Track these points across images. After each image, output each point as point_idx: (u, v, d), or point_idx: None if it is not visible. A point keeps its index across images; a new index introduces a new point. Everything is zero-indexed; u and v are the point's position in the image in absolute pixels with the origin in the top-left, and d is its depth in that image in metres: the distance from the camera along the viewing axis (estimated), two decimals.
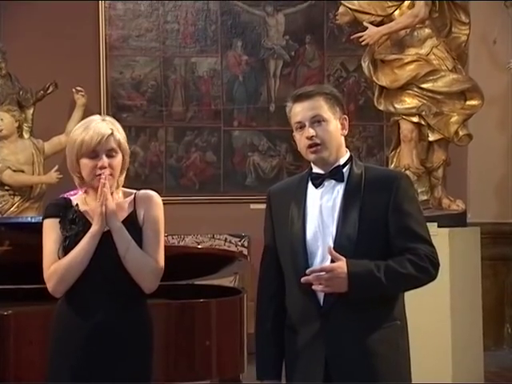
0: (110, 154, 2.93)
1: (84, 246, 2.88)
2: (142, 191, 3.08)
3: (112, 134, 2.93)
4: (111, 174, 2.93)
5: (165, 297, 4.16)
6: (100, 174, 2.90)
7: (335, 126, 2.85)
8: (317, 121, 2.83)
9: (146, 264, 2.94)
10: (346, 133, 2.89)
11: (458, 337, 5.63)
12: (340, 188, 2.83)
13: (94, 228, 2.89)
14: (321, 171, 2.87)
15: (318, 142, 2.82)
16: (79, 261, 2.87)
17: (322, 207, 2.83)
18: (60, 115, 6.93)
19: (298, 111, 2.85)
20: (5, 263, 3.88)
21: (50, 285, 2.89)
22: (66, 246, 2.89)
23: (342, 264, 2.72)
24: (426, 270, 2.82)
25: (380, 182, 2.82)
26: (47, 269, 2.89)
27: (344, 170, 2.85)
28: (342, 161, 2.86)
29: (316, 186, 2.86)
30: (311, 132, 2.82)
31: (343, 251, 2.74)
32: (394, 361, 2.79)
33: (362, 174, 2.84)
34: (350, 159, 2.88)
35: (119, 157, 2.96)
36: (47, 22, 7.14)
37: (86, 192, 3.01)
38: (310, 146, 2.83)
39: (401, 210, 2.78)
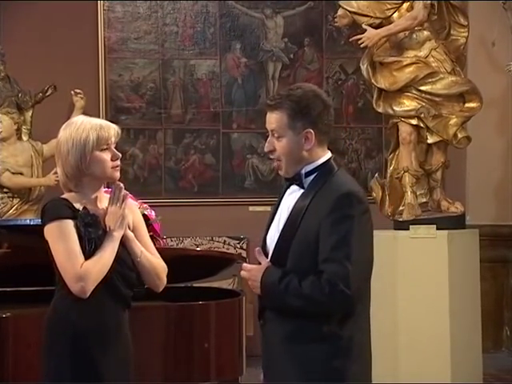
0: (115, 146, 3.02)
1: (113, 248, 2.91)
2: None
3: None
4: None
5: (163, 299, 4.16)
6: (117, 166, 2.99)
7: (294, 142, 2.79)
8: (275, 136, 2.82)
9: (158, 264, 3.06)
10: (311, 146, 2.79)
11: (457, 339, 5.64)
12: (298, 194, 2.82)
13: (120, 232, 2.94)
14: None
15: (276, 157, 2.84)
16: (110, 263, 2.90)
17: (282, 211, 2.86)
18: (59, 118, 6.85)
19: (266, 119, 2.86)
20: (4, 266, 3.88)
21: (81, 284, 2.85)
22: (91, 249, 2.90)
23: (260, 268, 2.77)
24: (325, 295, 2.64)
25: (327, 195, 2.74)
26: (74, 269, 2.86)
27: (309, 177, 2.81)
28: (308, 168, 2.81)
29: (288, 188, 2.90)
30: (268, 146, 2.85)
31: (279, 257, 2.77)
32: (317, 379, 2.72)
33: (322, 184, 2.78)
34: (320, 166, 2.83)
35: None
36: (46, 25, 7.14)
37: (77, 192, 3.01)
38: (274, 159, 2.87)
39: (326, 229, 2.67)
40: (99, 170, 2.96)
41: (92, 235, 2.91)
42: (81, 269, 2.85)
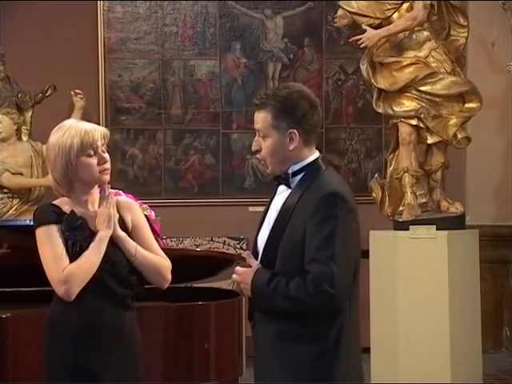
0: (104, 149, 3.00)
1: (99, 249, 2.91)
2: (121, 198, 3.15)
3: (103, 129, 3.03)
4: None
5: (163, 300, 4.17)
6: (105, 169, 2.97)
7: (279, 142, 2.79)
8: (261, 135, 2.84)
9: (160, 261, 3.06)
10: (295, 146, 2.79)
11: (457, 339, 5.64)
12: (286, 194, 2.83)
13: (106, 232, 2.94)
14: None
15: (261, 157, 2.85)
16: (95, 264, 2.90)
17: (271, 213, 2.86)
18: (59, 118, 6.77)
19: (254, 119, 2.88)
20: (3, 266, 3.88)
21: (65, 287, 2.88)
22: (76, 252, 2.91)
23: (251, 270, 2.78)
24: (310, 296, 2.64)
25: (313, 195, 2.73)
26: (58, 272, 2.88)
27: (296, 176, 2.81)
28: (295, 167, 2.81)
29: (277, 187, 2.90)
30: (255, 146, 2.87)
31: (269, 258, 2.77)
32: (306, 380, 2.72)
33: (309, 184, 2.77)
34: (308, 166, 2.82)
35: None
36: (46, 25, 7.14)
37: (69, 196, 3.02)
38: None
39: (312, 228, 2.68)
40: (86, 175, 2.97)
41: (77, 238, 2.92)
42: (63, 272, 2.87)
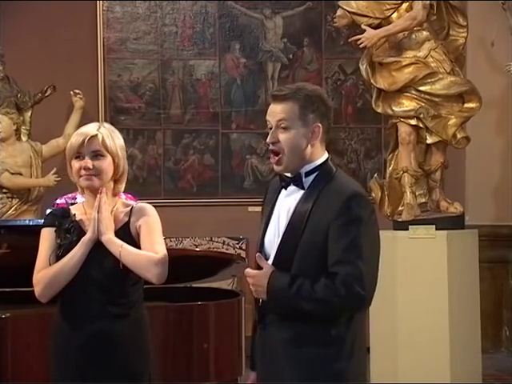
0: (95, 155, 2.95)
1: (75, 253, 2.93)
2: (139, 204, 3.12)
3: (96, 135, 2.95)
4: (96, 176, 2.95)
5: (163, 299, 4.17)
6: (82, 175, 2.95)
7: (301, 135, 2.75)
8: (282, 126, 2.76)
9: (142, 257, 2.93)
10: (316, 141, 2.77)
11: (456, 339, 5.63)
12: (298, 195, 2.78)
13: (87, 236, 2.94)
14: (288, 174, 2.82)
15: (277, 149, 2.77)
16: (69, 268, 2.92)
17: (281, 213, 2.81)
18: (58, 118, 6.94)
19: (269, 111, 2.80)
20: (3, 266, 3.88)
21: (37, 289, 2.94)
22: (60, 254, 2.94)
23: (265, 273, 2.72)
24: (340, 297, 2.62)
25: (333, 196, 2.70)
26: (35, 274, 2.96)
27: (308, 177, 2.77)
28: (308, 167, 2.78)
29: (285, 188, 2.84)
30: (271, 138, 2.78)
31: (283, 260, 2.73)
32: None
33: (324, 185, 2.74)
34: (320, 166, 2.79)
35: (107, 160, 2.97)
36: (45, 25, 7.15)
37: (86, 200, 3.04)
38: (272, 153, 2.79)
39: (337, 230, 2.65)
40: (73, 177, 3.00)
41: (63, 241, 2.95)
42: (37, 274, 2.94)
